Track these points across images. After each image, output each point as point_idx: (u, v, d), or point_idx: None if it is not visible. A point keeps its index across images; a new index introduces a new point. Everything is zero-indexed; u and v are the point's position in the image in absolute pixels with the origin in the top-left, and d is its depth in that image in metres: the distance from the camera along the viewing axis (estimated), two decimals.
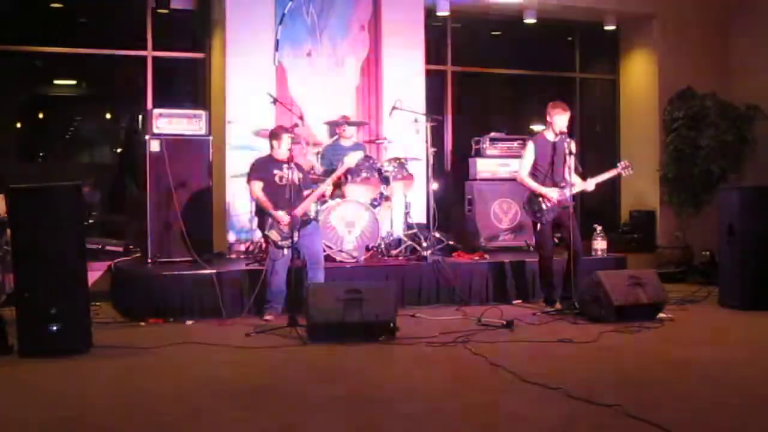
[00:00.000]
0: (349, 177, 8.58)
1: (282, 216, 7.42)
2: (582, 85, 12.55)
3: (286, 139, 7.63)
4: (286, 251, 7.46)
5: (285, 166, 7.53)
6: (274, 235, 7.47)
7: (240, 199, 9.31)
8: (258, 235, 8.38)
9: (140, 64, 9.89)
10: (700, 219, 11.17)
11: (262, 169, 7.67)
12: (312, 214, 7.82)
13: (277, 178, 7.59)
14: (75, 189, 6.29)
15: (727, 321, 7.78)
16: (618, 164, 8.15)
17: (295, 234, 7.37)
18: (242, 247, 9.24)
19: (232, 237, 9.45)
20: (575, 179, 7.99)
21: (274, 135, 7.76)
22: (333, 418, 4.58)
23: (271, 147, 7.76)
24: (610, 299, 7.24)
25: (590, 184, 8.00)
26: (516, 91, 12.56)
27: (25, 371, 5.67)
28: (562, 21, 11.98)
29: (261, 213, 7.65)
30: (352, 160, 8.06)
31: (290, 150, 7.49)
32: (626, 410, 4.52)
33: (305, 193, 7.73)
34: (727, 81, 11.45)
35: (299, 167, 7.86)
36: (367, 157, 8.82)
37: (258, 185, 7.58)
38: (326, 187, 7.83)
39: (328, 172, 8.73)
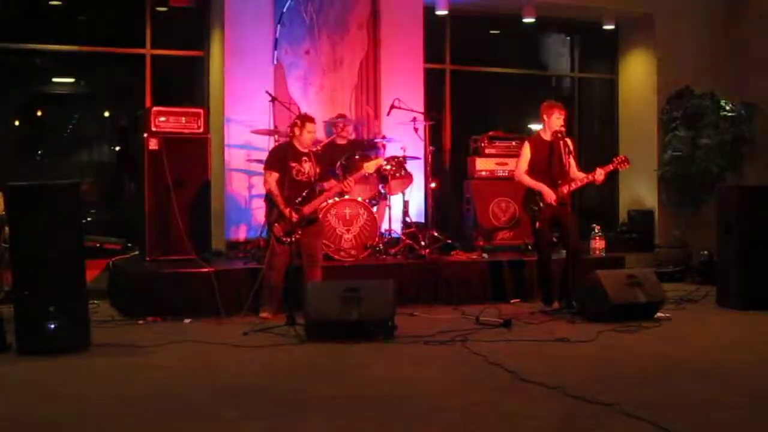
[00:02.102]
0: (348, 176, 8.57)
1: (290, 215, 7.35)
2: (581, 85, 12.55)
3: (309, 127, 7.51)
4: (286, 247, 7.43)
5: (304, 158, 7.46)
6: (277, 229, 7.44)
7: (239, 196, 9.31)
8: (256, 233, 8.37)
9: (139, 62, 9.88)
10: (698, 218, 11.16)
11: (280, 160, 7.52)
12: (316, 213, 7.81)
13: (294, 172, 7.45)
14: (73, 187, 6.29)
15: (725, 320, 7.78)
16: (614, 159, 8.14)
17: (299, 231, 7.35)
18: (240, 245, 9.23)
19: (230, 235, 9.43)
20: (579, 174, 7.98)
21: (299, 121, 7.58)
22: (331, 417, 4.58)
23: (293, 134, 7.60)
24: (609, 298, 7.24)
25: (599, 175, 7.95)
26: (515, 91, 12.55)
27: (23, 369, 5.67)
28: (560, 20, 11.98)
29: (270, 203, 7.59)
30: (371, 167, 7.99)
31: (311, 144, 7.44)
32: (624, 409, 4.53)
33: (325, 186, 7.68)
34: (725, 80, 11.45)
35: (319, 159, 7.73)
36: (366, 156, 8.81)
37: (273, 176, 7.48)
38: (338, 188, 7.78)
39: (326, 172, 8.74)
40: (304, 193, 7.38)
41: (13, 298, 6.13)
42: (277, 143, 8.61)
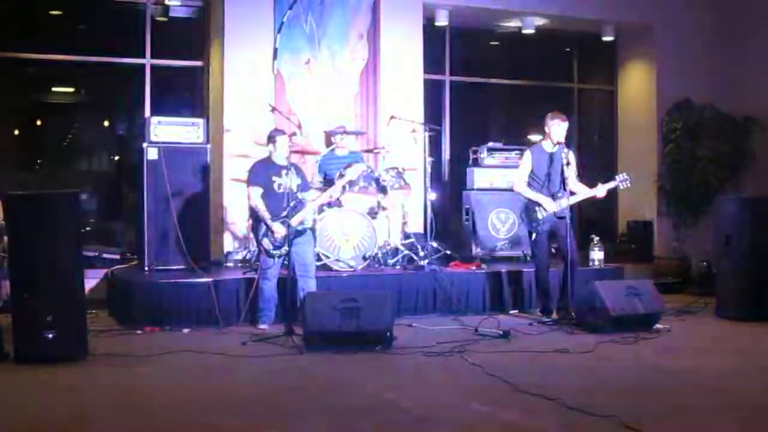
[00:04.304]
0: (347, 186, 8.57)
1: (278, 228, 7.40)
2: (580, 96, 12.56)
3: (281, 141, 7.58)
4: (277, 259, 7.47)
5: (284, 171, 7.50)
6: (266, 243, 7.46)
7: (238, 207, 9.31)
8: (254, 242, 8.37)
9: (139, 72, 9.89)
10: (697, 230, 11.17)
11: (261, 175, 7.60)
12: (309, 224, 7.79)
13: (275, 186, 7.55)
14: (73, 196, 6.30)
15: (723, 332, 7.77)
16: (616, 176, 8.15)
17: (288, 244, 7.36)
18: (239, 255, 9.22)
19: (229, 245, 9.43)
20: (581, 188, 7.98)
21: (270, 138, 7.69)
22: (328, 428, 4.58)
23: (270, 151, 7.71)
24: (607, 309, 7.23)
25: (601, 190, 7.95)
26: (514, 102, 12.57)
27: (20, 378, 5.66)
28: (560, 32, 12.00)
29: (256, 219, 7.62)
30: (353, 172, 8.01)
31: (288, 157, 7.48)
32: (623, 421, 4.51)
33: (306, 197, 7.67)
34: (725, 92, 11.47)
35: (299, 171, 7.80)
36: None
37: (257, 191, 7.52)
38: (325, 198, 7.82)
39: (326, 182, 8.75)
40: (289, 205, 7.36)
41: (12, 306, 6.11)
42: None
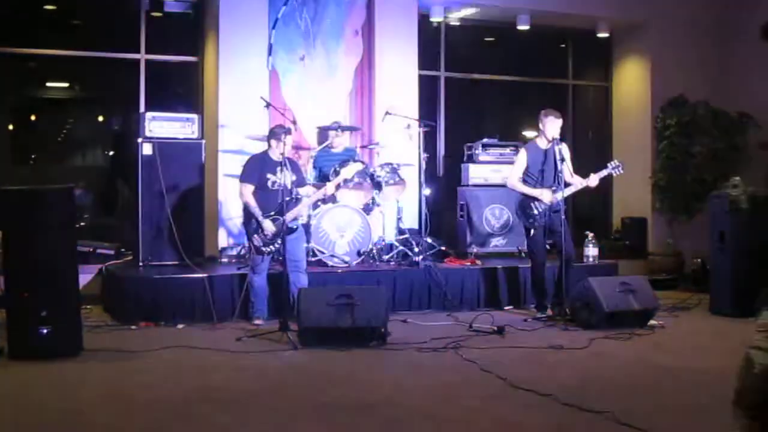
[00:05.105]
0: (341, 183, 8.57)
1: (268, 225, 7.39)
2: (575, 92, 12.56)
3: (284, 139, 7.49)
4: (267, 255, 7.46)
5: (279, 167, 7.46)
6: (257, 239, 7.45)
7: (232, 202, 9.30)
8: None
9: (133, 67, 9.87)
10: (691, 226, 11.18)
11: (255, 172, 7.54)
12: (304, 220, 7.75)
13: (269, 183, 7.52)
14: (67, 191, 6.28)
15: (717, 328, 7.79)
16: (608, 164, 8.15)
17: (279, 240, 7.34)
18: (234, 251, 9.22)
19: (223, 241, 9.42)
20: (575, 179, 7.99)
21: (273, 134, 7.58)
22: (323, 424, 4.58)
23: (269, 146, 7.61)
24: (602, 306, 7.25)
25: (593, 180, 7.97)
26: (509, 98, 12.56)
27: (14, 374, 5.65)
28: (555, 28, 12.00)
29: (248, 215, 7.60)
30: (350, 171, 7.99)
31: (282, 153, 7.45)
32: (616, 417, 4.53)
33: (301, 193, 7.65)
34: (719, 89, 11.48)
35: (295, 166, 7.76)
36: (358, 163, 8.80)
37: (249, 188, 7.50)
38: (320, 194, 7.80)
39: (320, 178, 8.75)
40: (282, 202, 7.33)
41: (6, 302, 6.10)
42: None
